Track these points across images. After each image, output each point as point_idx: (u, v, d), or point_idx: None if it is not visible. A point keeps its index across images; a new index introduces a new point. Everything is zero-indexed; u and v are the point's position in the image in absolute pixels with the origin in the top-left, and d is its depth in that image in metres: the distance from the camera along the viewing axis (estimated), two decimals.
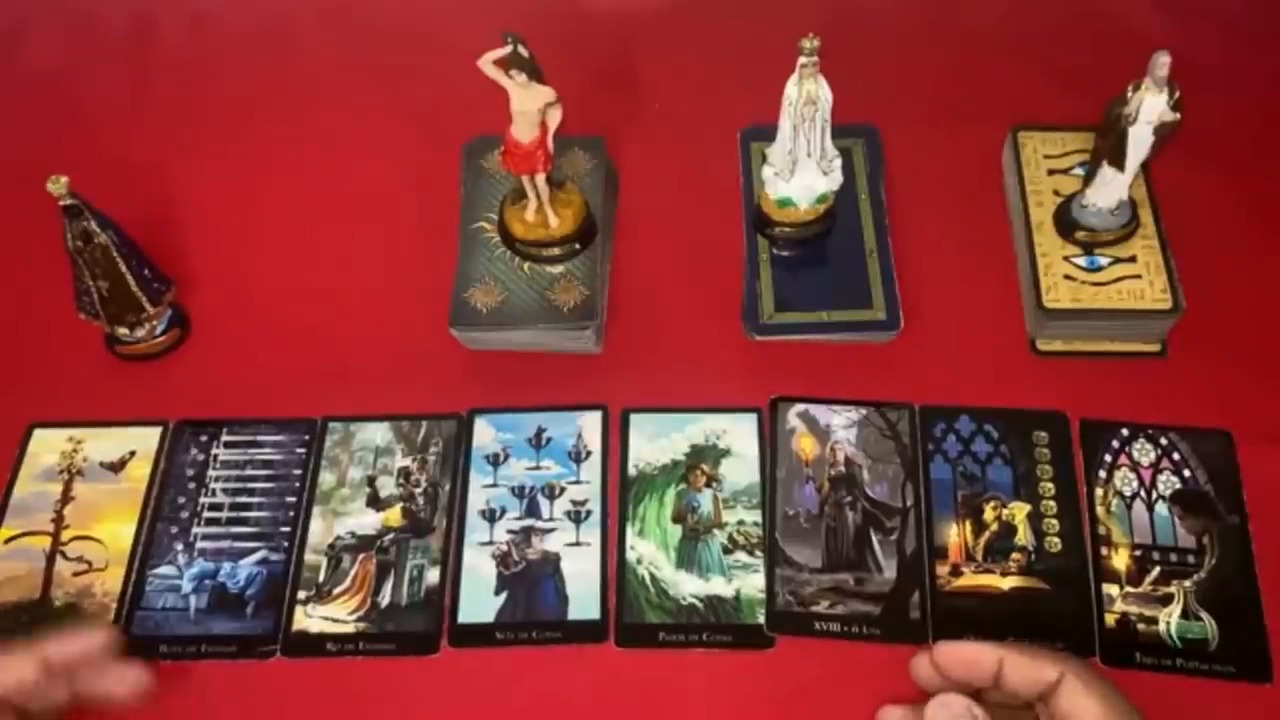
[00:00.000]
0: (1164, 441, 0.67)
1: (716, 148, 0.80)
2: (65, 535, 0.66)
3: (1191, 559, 0.63)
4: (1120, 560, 0.63)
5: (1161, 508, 0.64)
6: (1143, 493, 0.65)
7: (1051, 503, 0.65)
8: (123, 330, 0.71)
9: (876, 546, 0.64)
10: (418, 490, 0.67)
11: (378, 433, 0.69)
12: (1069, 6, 0.90)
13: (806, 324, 0.71)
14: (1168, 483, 0.65)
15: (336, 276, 0.77)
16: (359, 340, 0.73)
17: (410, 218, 0.79)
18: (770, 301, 0.71)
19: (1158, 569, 0.62)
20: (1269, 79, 0.84)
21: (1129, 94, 0.64)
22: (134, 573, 0.64)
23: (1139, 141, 0.65)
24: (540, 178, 0.69)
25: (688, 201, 0.79)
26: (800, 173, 0.70)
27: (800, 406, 0.69)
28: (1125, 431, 0.67)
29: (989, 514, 0.64)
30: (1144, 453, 0.66)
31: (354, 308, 0.75)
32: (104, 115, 0.87)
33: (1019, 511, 0.65)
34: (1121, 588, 0.62)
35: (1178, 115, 0.64)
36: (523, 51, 0.62)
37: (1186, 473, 0.66)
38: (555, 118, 0.67)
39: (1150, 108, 0.64)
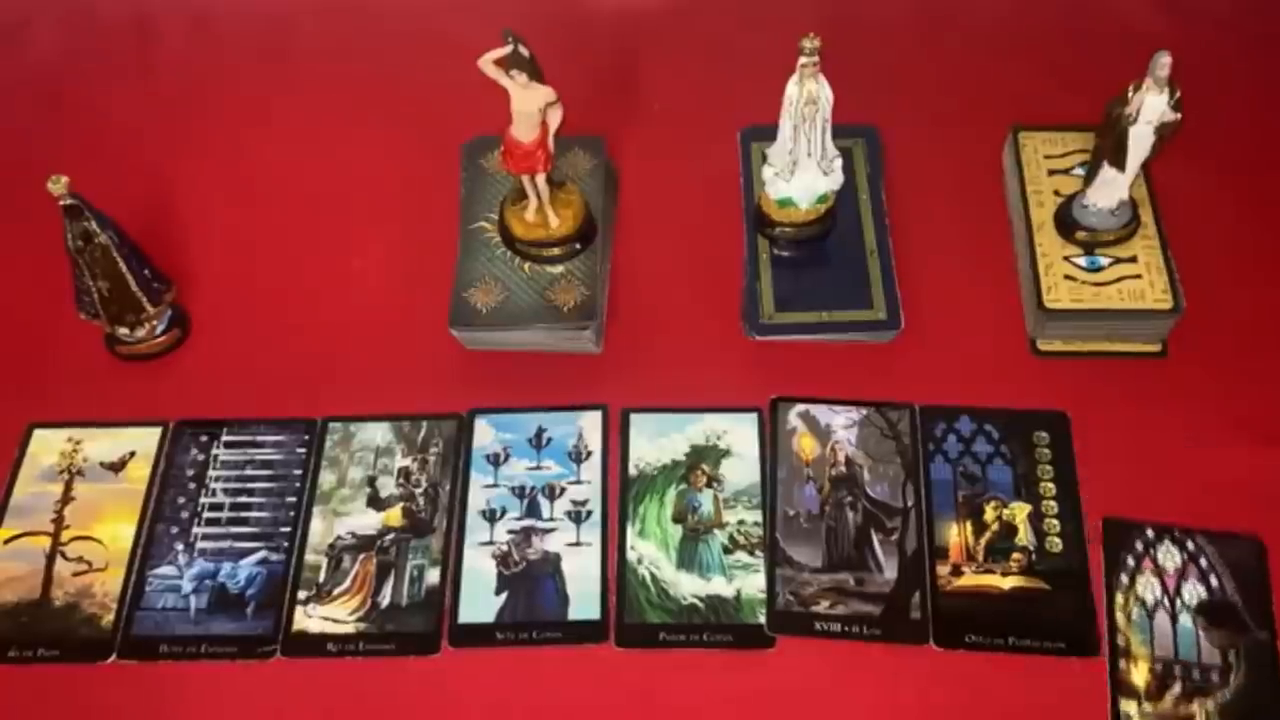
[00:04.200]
0: (1190, 546, 0.63)
1: (716, 148, 0.80)
2: (65, 535, 0.66)
3: (1215, 676, 0.60)
4: (1139, 674, 0.60)
5: (1185, 619, 0.61)
6: (1166, 601, 0.62)
7: (1052, 503, 0.65)
8: (123, 330, 0.71)
9: (877, 546, 0.64)
10: (418, 490, 0.66)
11: (378, 433, 0.69)
12: (1069, 6, 0.90)
13: (807, 324, 0.71)
14: (1193, 591, 0.62)
15: (336, 276, 0.77)
16: (359, 340, 0.73)
17: (410, 218, 0.79)
18: (770, 301, 0.71)
19: (1179, 685, 0.59)
20: (1269, 79, 0.84)
21: (1130, 94, 0.64)
22: (134, 573, 0.64)
23: (1139, 141, 0.65)
24: (540, 178, 0.69)
25: (688, 201, 0.79)
26: (801, 172, 0.70)
27: (801, 407, 0.68)
28: (1150, 533, 0.64)
29: (990, 514, 0.64)
30: (1169, 557, 0.63)
31: (354, 307, 0.75)
32: (104, 115, 0.87)
33: (1020, 511, 0.64)
34: (1140, 704, 0.59)
35: (1178, 115, 0.64)
36: (523, 51, 0.62)
37: (1214, 580, 0.62)
38: (555, 118, 0.67)
39: (1151, 107, 0.64)
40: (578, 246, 0.72)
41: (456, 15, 0.90)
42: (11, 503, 0.67)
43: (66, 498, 0.67)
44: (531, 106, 0.65)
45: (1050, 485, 0.65)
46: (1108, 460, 0.66)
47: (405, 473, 0.67)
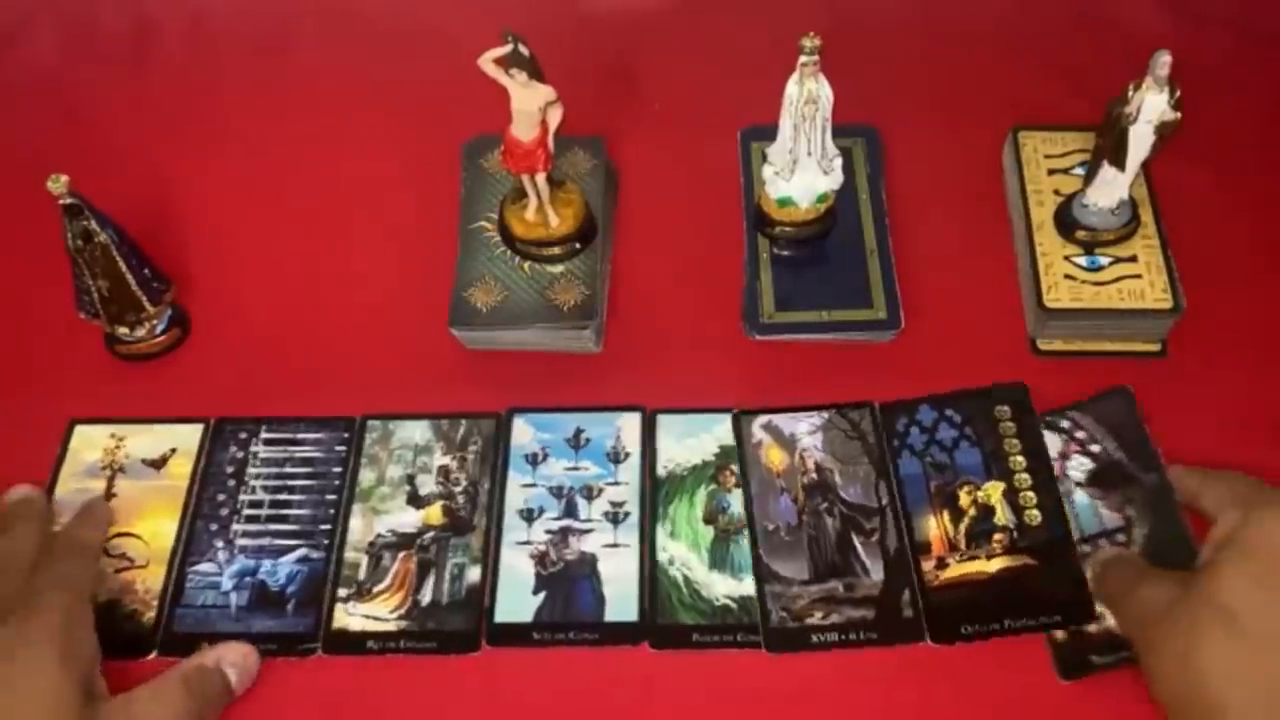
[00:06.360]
0: (1065, 424, 0.66)
1: (716, 148, 0.80)
2: (108, 531, 0.65)
3: (1122, 537, 0.62)
4: None
5: (1079, 495, 0.64)
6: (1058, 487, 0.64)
7: (1025, 475, 0.64)
8: (123, 330, 0.71)
9: (860, 549, 0.63)
10: (457, 489, 0.66)
11: (416, 431, 0.68)
12: (1069, 6, 0.90)
13: (807, 323, 0.70)
14: (1078, 466, 0.64)
15: (335, 276, 0.77)
16: (358, 340, 0.73)
17: (410, 217, 0.79)
18: (770, 301, 0.71)
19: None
20: (1269, 79, 0.84)
21: (1130, 93, 0.64)
22: (175, 570, 0.64)
23: (1140, 141, 0.65)
24: (540, 177, 0.69)
25: (688, 201, 0.79)
26: (801, 172, 0.70)
27: (764, 418, 0.68)
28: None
29: (964, 499, 0.64)
30: (1050, 445, 0.65)
31: (353, 307, 0.75)
32: (104, 115, 0.87)
33: (994, 491, 0.64)
34: None
35: (1178, 114, 0.64)
36: (523, 50, 0.62)
37: (1096, 448, 0.65)
38: (556, 117, 0.67)
39: (1151, 107, 0.64)
40: (578, 246, 0.72)
41: (456, 15, 0.90)
42: (54, 499, 0.67)
43: (108, 494, 0.67)
44: (531, 105, 0.65)
45: (1020, 459, 0.65)
46: None
47: (445, 471, 0.67)
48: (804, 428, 0.67)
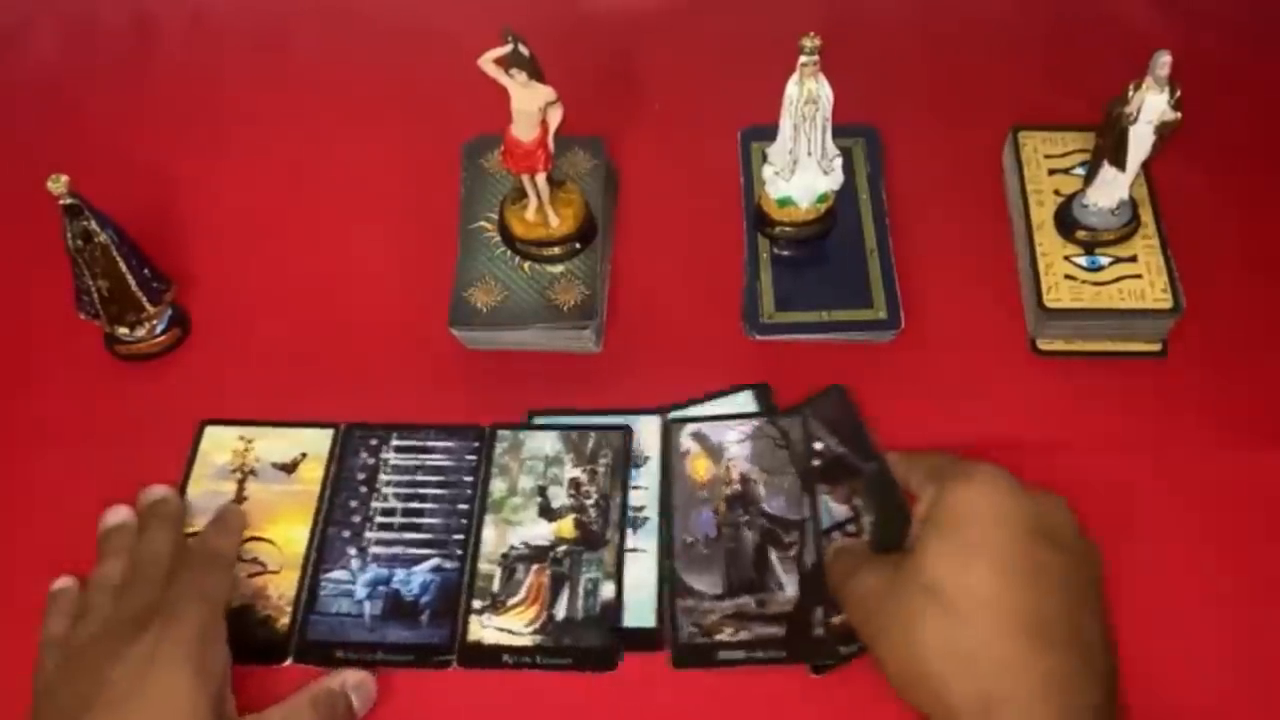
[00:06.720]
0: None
1: (716, 148, 0.80)
2: (242, 538, 0.64)
3: (851, 528, 0.62)
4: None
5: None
6: None
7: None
8: (123, 330, 0.71)
9: (776, 564, 0.61)
10: (588, 502, 0.65)
11: (546, 442, 0.67)
12: (1069, 6, 0.90)
13: (807, 323, 0.71)
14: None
15: (335, 276, 0.77)
16: (357, 339, 0.73)
17: (410, 217, 0.79)
18: (770, 301, 0.71)
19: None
20: (1269, 79, 0.84)
21: (1130, 93, 0.64)
22: (308, 576, 0.63)
23: (1140, 141, 0.65)
24: (540, 177, 0.69)
25: (688, 201, 0.79)
26: (801, 172, 0.70)
27: (693, 427, 0.67)
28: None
29: None
30: None
31: (353, 307, 0.75)
32: (104, 115, 0.87)
33: None
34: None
35: (1178, 115, 0.64)
36: (523, 50, 0.62)
37: (819, 445, 0.65)
38: (556, 117, 0.67)
39: (1151, 107, 0.64)
40: (578, 246, 0.72)
41: (456, 15, 0.90)
42: (186, 499, 0.66)
43: (239, 497, 0.66)
44: (531, 105, 0.65)
45: None
46: (1107, 459, 0.66)
47: (575, 483, 0.66)
48: (733, 436, 0.66)
